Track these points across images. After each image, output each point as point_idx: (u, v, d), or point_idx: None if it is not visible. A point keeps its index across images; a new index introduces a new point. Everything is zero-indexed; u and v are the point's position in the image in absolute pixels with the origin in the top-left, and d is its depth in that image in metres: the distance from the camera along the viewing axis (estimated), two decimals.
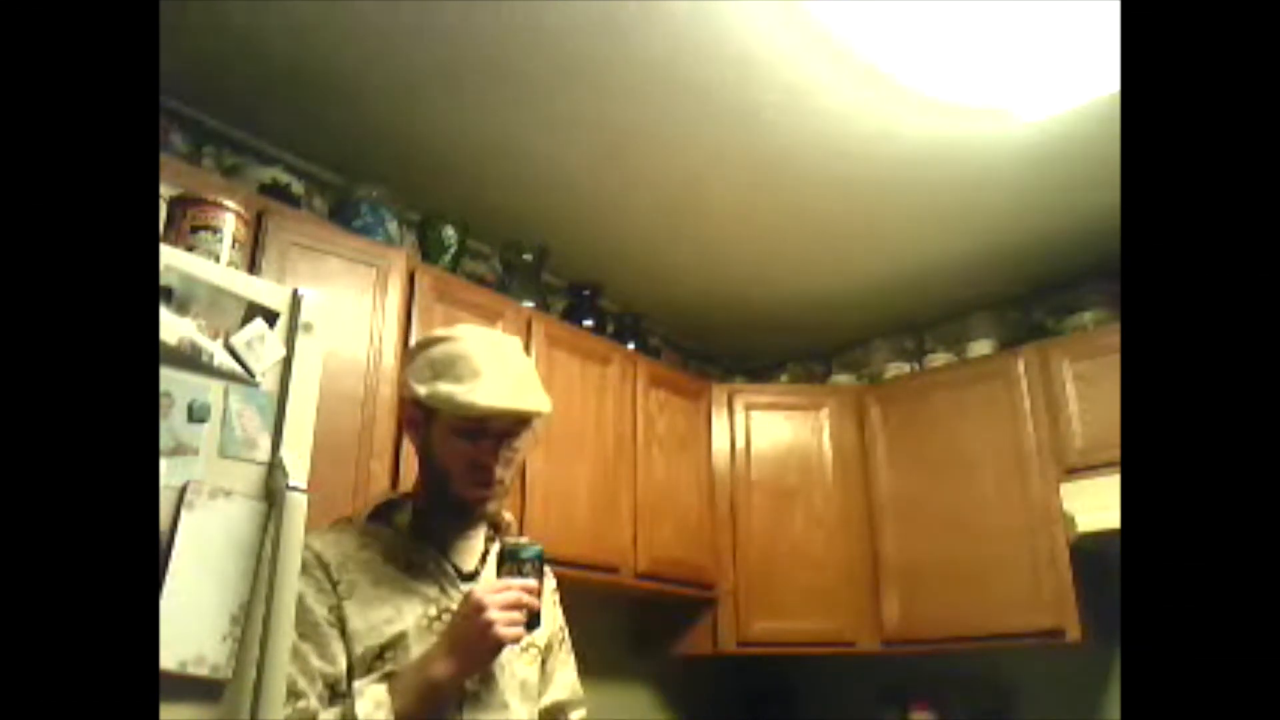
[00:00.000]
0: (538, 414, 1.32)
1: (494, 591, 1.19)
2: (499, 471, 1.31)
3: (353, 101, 2.34)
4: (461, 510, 1.32)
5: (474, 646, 1.18)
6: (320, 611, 1.20)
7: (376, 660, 1.20)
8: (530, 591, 1.21)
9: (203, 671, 1.15)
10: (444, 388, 1.26)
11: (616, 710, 3.03)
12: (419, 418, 1.33)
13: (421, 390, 1.28)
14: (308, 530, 1.24)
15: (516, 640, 1.20)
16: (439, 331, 1.40)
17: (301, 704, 1.16)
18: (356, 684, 1.18)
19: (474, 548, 1.36)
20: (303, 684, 1.17)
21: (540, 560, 1.25)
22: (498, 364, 1.30)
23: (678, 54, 2.15)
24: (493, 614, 1.16)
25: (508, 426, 1.31)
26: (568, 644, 1.47)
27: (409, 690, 1.16)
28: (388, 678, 1.19)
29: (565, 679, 1.44)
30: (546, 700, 1.39)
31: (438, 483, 1.33)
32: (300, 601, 1.20)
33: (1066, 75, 2.18)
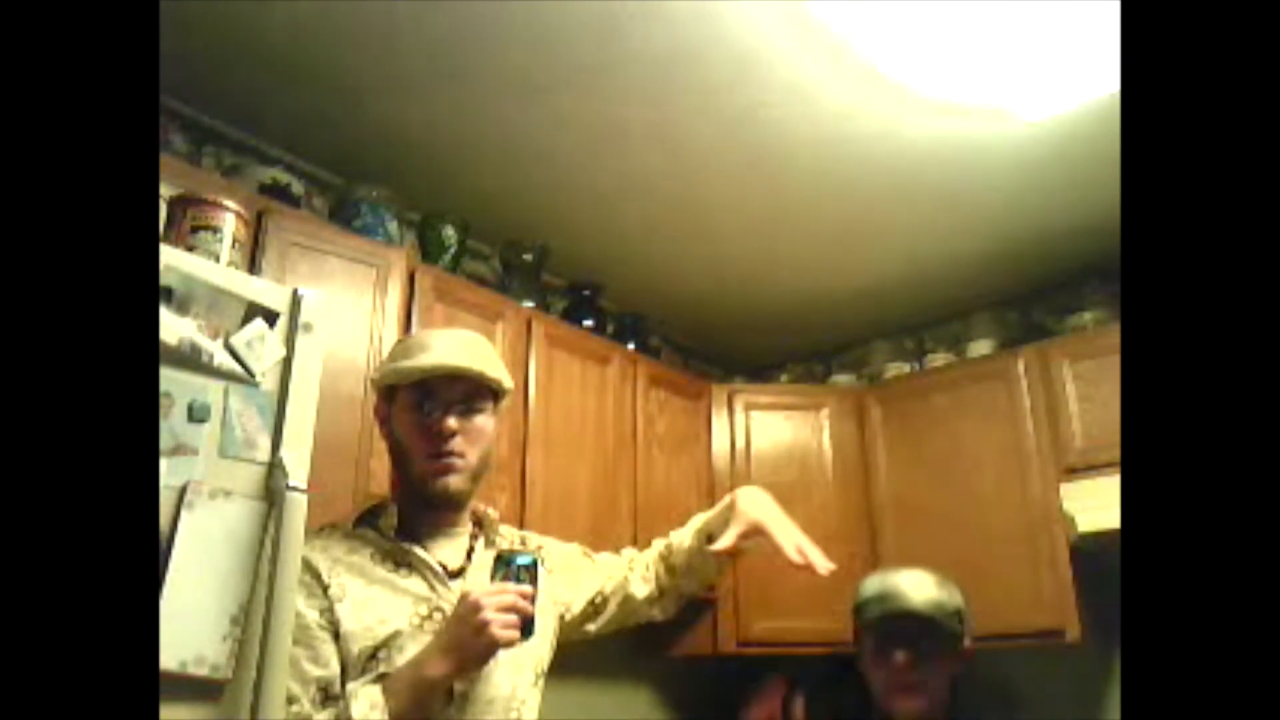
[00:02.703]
0: (481, 374, 1.34)
1: (491, 594, 1.19)
2: (458, 444, 1.32)
3: (353, 101, 2.34)
4: (428, 497, 1.33)
5: (469, 646, 1.18)
6: (311, 615, 1.21)
7: (370, 661, 1.21)
8: (526, 598, 1.21)
9: (203, 671, 1.15)
10: (395, 363, 1.35)
11: (616, 710, 3.03)
12: (384, 412, 1.39)
13: (376, 374, 1.40)
14: (306, 531, 1.24)
15: (511, 643, 1.19)
16: None
17: (295, 708, 1.16)
18: (350, 685, 1.18)
19: (459, 546, 1.36)
20: (296, 688, 1.17)
21: (534, 568, 1.24)
22: (449, 339, 1.39)
23: (678, 54, 2.15)
24: (489, 615, 1.16)
25: (459, 394, 1.33)
26: (589, 559, 1.55)
27: (403, 690, 1.17)
28: (381, 678, 1.19)
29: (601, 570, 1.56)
30: (591, 590, 1.50)
31: (405, 472, 1.35)
32: None
33: (1066, 75, 2.18)
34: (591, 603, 1.50)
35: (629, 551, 1.62)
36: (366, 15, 2.04)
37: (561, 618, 1.45)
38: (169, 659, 1.12)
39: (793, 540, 1.44)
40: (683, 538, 1.57)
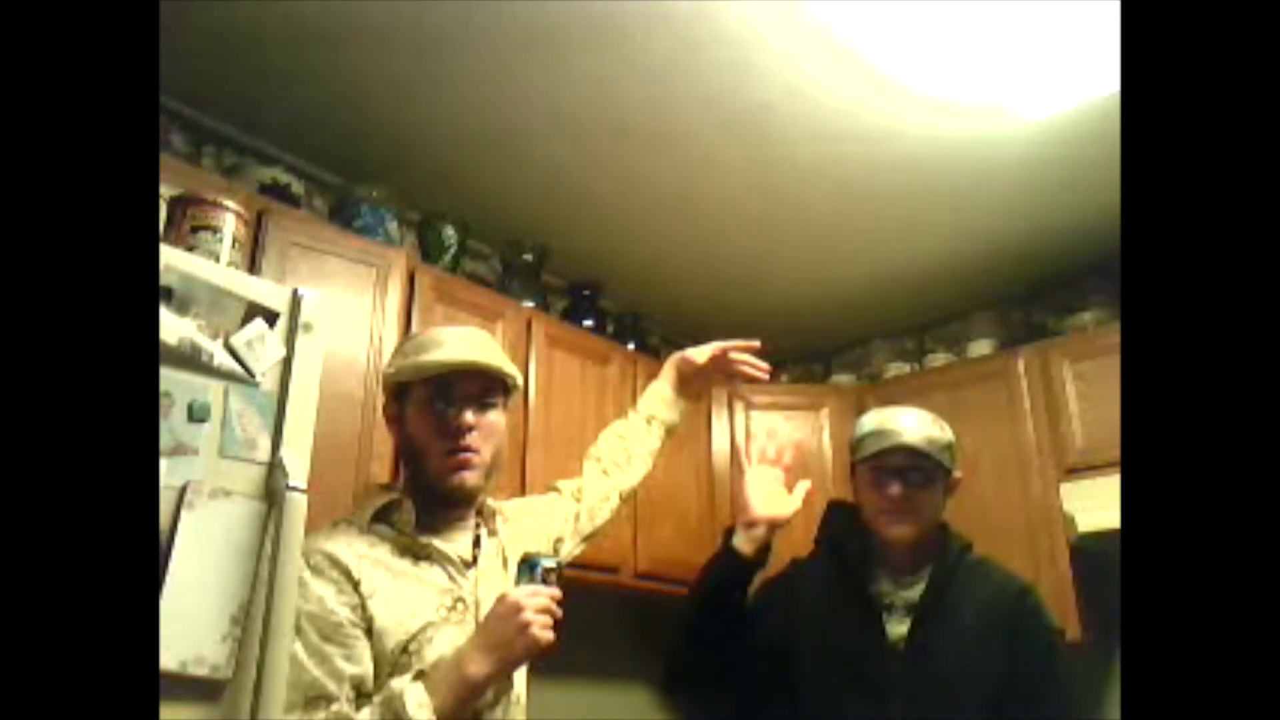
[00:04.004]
0: (498, 369, 1.36)
1: (529, 595, 1.21)
2: (474, 439, 1.32)
3: (353, 101, 2.34)
4: (444, 494, 1.34)
5: (511, 645, 1.19)
6: (343, 612, 1.20)
7: (402, 655, 1.21)
8: (556, 602, 1.23)
9: (203, 671, 1.15)
10: (408, 360, 1.35)
11: (616, 710, 3.03)
12: (395, 409, 1.39)
13: (390, 370, 1.38)
14: (307, 531, 1.24)
15: (550, 644, 1.20)
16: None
17: (335, 707, 1.15)
18: (393, 683, 1.18)
19: (467, 537, 1.38)
20: (332, 687, 1.16)
21: (558, 570, 1.26)
22: (461, 335, 1.40)
23: (678, 54, 2.15)
24: (530, 615, 1.18)
25: (474, 390, 1.34)
26: (538, 511, 1.59)
27: (444, 689, 1.17)
28: (420, 676, 1.19)
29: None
30: (550, 538, 1.54)
31: (418, 470, 1.35)
32: (321, 603, 1.20)
33: (1066, 75, 2.18)
34: (554, 550, 1.53)
35: (569, 483, 1.67)
36: (366, 15, 2.04)
37: None
38: (169, 659, 1.12)
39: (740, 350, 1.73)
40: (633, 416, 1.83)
